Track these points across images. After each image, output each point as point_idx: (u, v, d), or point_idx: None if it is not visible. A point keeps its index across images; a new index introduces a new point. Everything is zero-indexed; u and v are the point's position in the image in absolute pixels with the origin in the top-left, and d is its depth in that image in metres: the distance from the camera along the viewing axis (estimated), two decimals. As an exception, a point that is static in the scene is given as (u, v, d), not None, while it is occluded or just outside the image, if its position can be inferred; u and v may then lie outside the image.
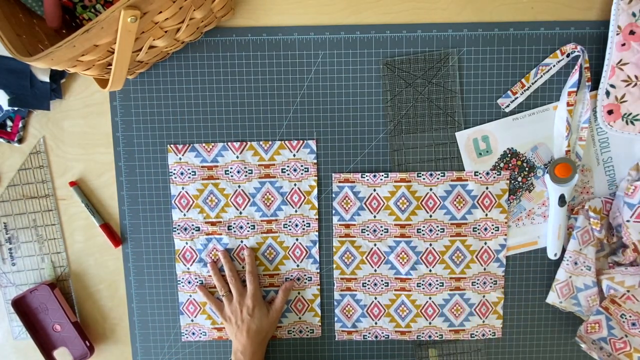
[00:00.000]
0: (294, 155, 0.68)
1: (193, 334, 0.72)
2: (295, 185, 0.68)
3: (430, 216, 0.68)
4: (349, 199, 0.68)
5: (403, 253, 0.69)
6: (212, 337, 0.72)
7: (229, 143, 0.67)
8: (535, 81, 0.66)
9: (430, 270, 0.69)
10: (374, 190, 0.68)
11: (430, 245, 0.69)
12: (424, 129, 0.67)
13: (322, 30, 0.66)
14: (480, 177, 0.67)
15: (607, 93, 0.63)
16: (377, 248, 0.69)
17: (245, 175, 0.68)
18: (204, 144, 0.68)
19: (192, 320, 0.71)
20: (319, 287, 0.70)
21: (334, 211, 0.69)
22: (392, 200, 0.68)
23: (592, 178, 0.68)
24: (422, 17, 0.66)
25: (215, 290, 0.70)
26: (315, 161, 0.68)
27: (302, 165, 0.68)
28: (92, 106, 0.69)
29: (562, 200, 0.66)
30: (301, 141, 0.67)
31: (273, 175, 0.68)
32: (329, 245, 0.70)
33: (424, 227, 0.68)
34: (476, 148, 0.67)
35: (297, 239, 0.69)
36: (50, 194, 0.70)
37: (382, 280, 0.70)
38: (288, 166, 0.68)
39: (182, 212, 0.69)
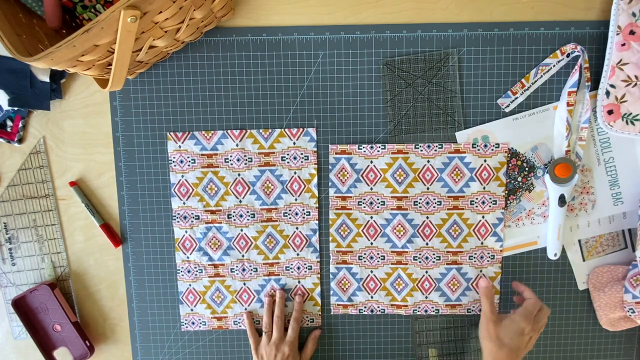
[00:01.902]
0: (294, 143, 0.67)
1: (193, 323, 0.72)
2: (295, 173, 0.68)
3: (428, 188, 0.68)
4: (345, 170, 0.68)
5: (400, 226, 0.68)
6: (211, 326, 0.72)
7: (229, 131, 0.67)
8: (535, 81, 0.66)
9: (427, 244, 0.69)
10: (371, 162, 0.67)
11: (427, 218, 0.68)
12: (424, 129, 0.67)
13: (322, 30, 0.66)
14: (479, 150, 0.67)
15: (607, 93, 0.63)
16: (374, 221, 0.69)
17: (245, 164, 0.68)
18: (203, 132, 0.67)
19: (191, 310, 0.71)
20: (319, 275, 0.70)
21: (330, 183, 0.68)
22: (389, 172, 0.67)
23: (593, 178, 0.68)
24: (422, 17, 0.66)
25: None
26: (315, 149, 0.68)
27: (302, 154, 0.67)
28: (92, 106, 0.69)
29: (562, 200, 0.66)
30: (301, 129, 0.67)
31: (273, 164, 0.68)
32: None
33: (420, 199, 0.68)
34: (476, 148, 0.67)
35: (297, 228, 0.69)
36: (50, 194, 0.70)
37: (378, 254, 0.69)
38: (288, 154, 0.68)
39: (181, 200, 0.69)
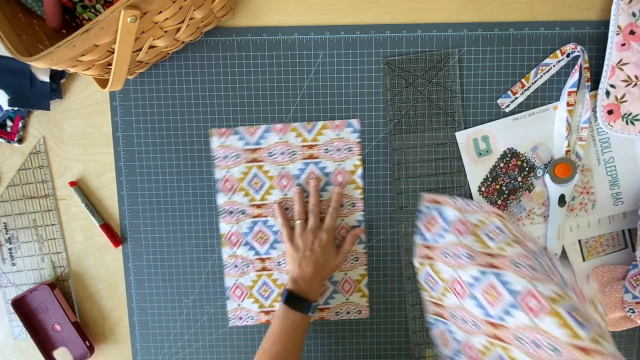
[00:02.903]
0: (337, 135, 0.67)
1: (240, 318, 0.72)
2: (339, 165, 0.68)
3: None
4: None
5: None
6: (259, 320, 0.71)
7: (272, 125, 0.67)
8: (535, 81, 0.66)
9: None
10: None
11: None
12: (424, 129, 0.67)
13: (322, 30, 0.66)
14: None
15: (607, 93, 0.63)
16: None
17: (289, 157, 0.68)
18: (247, 127, 0.67)
19: (239, 305, 0.71)
20: (366, 267, 0.70)
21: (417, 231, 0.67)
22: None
23: (593, 178, 0.68)
24: (422, 17, 0.66)
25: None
26: (358, 140, 0.67)
27: (345, 145, 0.67)
28: (92, 106, 0.69)
29: (562, 200, 0.66)
30: (344, 120, 0.67)
31: (316, 156, 0.68)
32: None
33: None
34: (476, 148, 0.67)
35: (342, 219, 0.69)
36: (50, 194, 0.70)
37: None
38: (331, 146, 0.68)
39: (227, 195, 0.69)
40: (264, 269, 0.71)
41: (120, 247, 0.71)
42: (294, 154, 0.68)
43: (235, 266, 0.71)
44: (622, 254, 0.70)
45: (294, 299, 0.62)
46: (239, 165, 0.68)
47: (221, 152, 0.68)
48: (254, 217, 0.69)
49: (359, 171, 0.68)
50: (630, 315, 0.66)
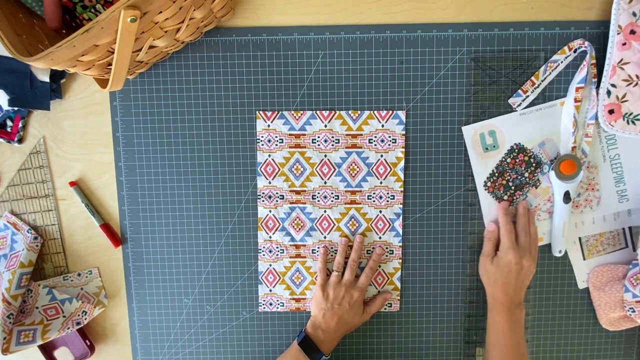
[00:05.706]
0: (382, 125, 0.67)
1: (270, 304, 0.72)
2: (382, 156, 0.68)
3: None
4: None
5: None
6: (289, 307, 0.72)
7: (318, 111, 0.67)
8: (545, 78, 0.66)
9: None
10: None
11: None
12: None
13: (322, 30, 0.66)
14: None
15: (608, 92, 0.63)
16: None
17: (332, 145, 0.68)
18: (292, 112, 0.67)
19: (270, 290, 0.71)
20: (400, 260, 0.70)
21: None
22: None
23: (598, 175, 0.68)
24: (422, 17, 0.66)
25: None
26: (403, 132, 0.67)
27: (389, 136, 0.67)
28: (92, 106, 0.69)
29: (567, 197, 0.66)
30: (390, 111, 0.67)
31: (360, 146, 0.68)
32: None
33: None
34: (482, 143, 0.67)
35: (380, 211, 0.69)
36: (50, 194, 0.70)
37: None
38: (375, 137, 0.67)
39: (267, 179, 0.69)
40: (298, 255, 0.71)
41: (120, 247, 0.71)
42: (337, 142, 0.68)
43: (270, 251, 0.71)
44: (622, 253, 0.70)
45: (308, 345, 0.64)
46: (281, 150, 0.68)
47: (265, 136, 0.68)
48: (292, 203, 0.69)
49: (401, 163, 0.68)
50: (631, 315, 0.66)
